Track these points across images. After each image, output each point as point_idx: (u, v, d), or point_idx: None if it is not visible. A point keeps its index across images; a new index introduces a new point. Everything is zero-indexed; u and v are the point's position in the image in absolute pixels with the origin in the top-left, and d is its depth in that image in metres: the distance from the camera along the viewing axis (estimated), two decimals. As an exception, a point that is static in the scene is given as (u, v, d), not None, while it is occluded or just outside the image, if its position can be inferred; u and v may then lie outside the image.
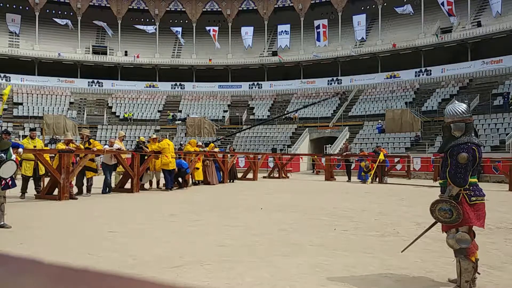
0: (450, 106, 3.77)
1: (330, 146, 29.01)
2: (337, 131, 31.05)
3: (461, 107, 3.71)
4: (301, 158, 25.31)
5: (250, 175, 18.45)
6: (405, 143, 27.54)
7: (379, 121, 30.34)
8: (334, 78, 37.73)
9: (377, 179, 17.00)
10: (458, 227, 3.56)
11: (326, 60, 37.95)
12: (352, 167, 18.67)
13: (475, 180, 3.67)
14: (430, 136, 27.46)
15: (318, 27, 38.13)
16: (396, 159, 20.50)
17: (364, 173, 17.06)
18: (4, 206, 6.15)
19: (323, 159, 20.88)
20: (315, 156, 23.64)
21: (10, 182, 6.07)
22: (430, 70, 34.23)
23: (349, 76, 37.07)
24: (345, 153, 19.04)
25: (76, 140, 13.63)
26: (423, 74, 34.53)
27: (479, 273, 3.73)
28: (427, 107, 31.01)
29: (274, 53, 40.31)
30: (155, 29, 39.84)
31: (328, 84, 37.92)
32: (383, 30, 37.46)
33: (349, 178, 18.08)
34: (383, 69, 35.86)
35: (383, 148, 20.57)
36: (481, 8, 34.91)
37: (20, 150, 9.05)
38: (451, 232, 3.60)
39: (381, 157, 16.83)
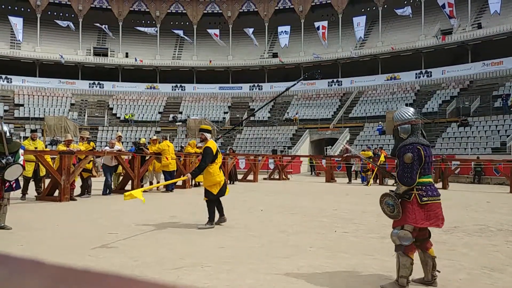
0: (397, 111, 3.94)
1: (331, 148, 29.01)
2: (338, 133, 31.06)
3: (408, 111, 3.87)
4: (301, 161, 25.28)
5: (250, 177, 18.44)
6: (405, 144, 27.49)
7: (380, 122, 30.34)
8: (335, 80, 37.76)
9: (378, 181, 17.00)
10: (404, 224, 3.63)
11: (327, 62, 37.97)
12: (352, 169, 18.66)
13: (429, 179, 3.74)
14: (430, 137, 27.42)
15: (318, 28, 38.17)
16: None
17: (364, 174, 17.08)
18: (6, 208, 6.14)
19: (324, 161, 20.87)
20: (315, 158, 23.62)
21: (14, 185, 6.05)
22: (431, 72, 34.25)
23: (350, 78, 37.11)
24: (345, 155, 19.03)
25: (76, 142, 13.65)
26: (423, 76, 34.54)
27: (439, 271, 3.79)
28: (427, 108, 31.02)
29: (275, 55, 40.34)
30: (156, 31, 39.89)
31: (328, 85, 37.94)
32: (383, 32, 37.49)
33: (350, 180, 18.06)
34: (384, 71, 35.89)
35: (384, 149, 20.55)
36: (482, 10, 34.93)
37: (21, 151, 9.06)
38: (396, 228, 3.68)
39: (382, 158, 16.81)
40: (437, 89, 32.87)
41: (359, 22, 37.04)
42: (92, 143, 11.94)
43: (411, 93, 33.86)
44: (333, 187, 15.90)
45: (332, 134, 31.52)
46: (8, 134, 5.99)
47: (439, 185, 15.52)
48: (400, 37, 36.57)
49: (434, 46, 34.23)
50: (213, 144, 6.69)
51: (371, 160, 17.06)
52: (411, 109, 3.94)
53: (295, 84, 7.46)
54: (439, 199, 3.73)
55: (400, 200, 3.68)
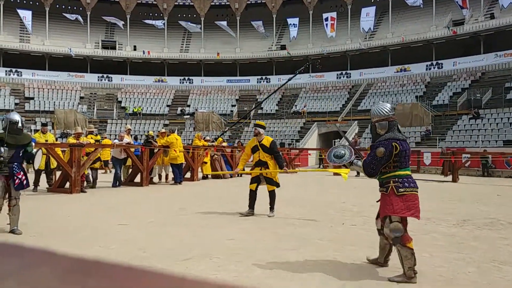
0: (375, 107, 4.06)
1: (339, 141, 28.89)
2: (346, 126, 30.90)
3: (385, 107, 4.02)
4: (309, 154, 25.21)
5: (259, 169, 18.45)
6: (415, 137, 27.32)
7: (389, 115, 30.09)
8: (343, 72, 37.49)
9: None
10: (389, 215, 3.79)
11: (335, 54, 37.68)
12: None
13: (407, 172, 3.90)
14: (441, 130, 27.18)
15: (326, 19, 37.82)
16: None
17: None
18: (18, 209, 5.46)
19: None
20: (323, 151, 23.56)
21: (25, 182, 5.47)
22: (442, 64, 33.83)
23: (359, 70, 36.81)
24: (355, 147, 18.95)
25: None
26: (434, 68, 34.14)
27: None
28: (438, 101, 30.69)
29: (283, 47, 40.11)
30: (164, 23, 39.87)
31: (337, 78, 37.68)
32: (393, 23, 37.06)
33: (358, 173, 17.99)
34: (394, 63, 35.54)
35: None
36: (494, 0, 34.32)
37: (32, 144, 9.18)
38: (386, 222, 3.83)
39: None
40: (448, 81, 32.47)
41: (368, 12, 36.63)
42: (90, 136, 11.93)
43: (421, 85, 33.51)
44: (341, 180, 15.84)
45: (340, 127, 31.36)
46: (20, 124, 5.46)
47: (448, 178, 15.40)
48: (411, 28, 36.13)
49: (445, 37, 33.75)
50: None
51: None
52: (388, 105, 4.07)
53: (295, 75, 7.35)
54: (417, 191, 3.86)
55: (351, 164, 4.26)
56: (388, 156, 3.78)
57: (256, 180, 7.13)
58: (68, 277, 0.35)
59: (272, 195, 7.08)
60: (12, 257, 0.39)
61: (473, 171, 19.73)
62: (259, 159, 7.12)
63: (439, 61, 33.89)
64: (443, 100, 30.45)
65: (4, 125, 5.37)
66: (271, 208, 7.05)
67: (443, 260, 4.35)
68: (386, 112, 3.96)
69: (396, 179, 3.81)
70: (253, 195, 7.10)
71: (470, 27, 32.80)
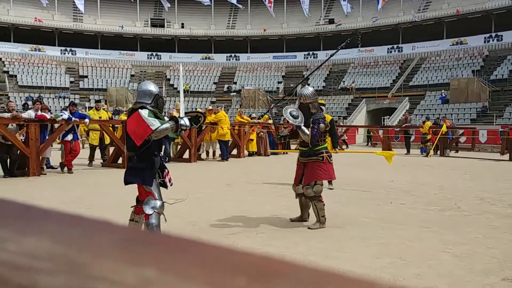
0: (305, 91, 4.96)
1: (389, 118, 28.04)
2: (396, 102, 29.86)
3: (311, 90, 5.08)
4: (357, 130, 24.67)
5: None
6: (470, 114, 25.98)
7: (443, 91, 28.76)
8: (395, 46, 35.99)
9: (438, 152, 16.30)
10: (321, 180, 4.79)
11: (386, 27, 36.17)
12: (411, 139, 17.98)
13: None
14: (498, 106, 25.65)
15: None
16: (460, 131, 19.35)
17: (424, 144, 16.45)
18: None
19: (381, 131, 20.25)
20: (372, 129, 22.99)
21: (171, 181, 4.26)
22: (501, 36, 31.59)
23: (411, 43, 35.18)
24: (404, 125, 18.33)
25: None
26: (493, 40, 31.97)
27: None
28: (496, 75, 28.85)
29: (331, 21, 38.99)
30: (211, 0, 39.86)
31: (388, 52, 36.27)
32: (449, -8, 34.88)
33: (408, 151, 17.45)
34: (449, 35, 33.62)
35: (447, 119, 19.56)
36: None
37: (87, 120, 9.71)
38: (309, 184, 4.70)
39: (444, 128, 16.03)
40: (508, 54, 30.33)
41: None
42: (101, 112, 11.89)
43: (478, 58, 31.57)
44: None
45: (390, 103, 30.36)
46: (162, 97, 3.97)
47: (505, 157, 14.58)
48: (468, -3, 33.86)
49: (506, 7, 31.36)
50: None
51: (431, 129, 16.33)
52: (311, 88, 5.21)
53: (337, 51, 7.06)
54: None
55: (299, 128, 4.81)
56: (324, 131, 4.81)
57: None
58: (124, 245, 0.37)
59: None
60: (74, 226, 0.43)
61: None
62: None
63: (499, 33, 31.65)
64: (502, 75, 28.58)
65: (149, 99, 3.77)
66: (330, 182, 7.42)
67: (497, 241, 4.18)
68: (314, 93, 4.97)
69: (327, 150, 4.90)
70: None
71: (536, -6, 30.24)
